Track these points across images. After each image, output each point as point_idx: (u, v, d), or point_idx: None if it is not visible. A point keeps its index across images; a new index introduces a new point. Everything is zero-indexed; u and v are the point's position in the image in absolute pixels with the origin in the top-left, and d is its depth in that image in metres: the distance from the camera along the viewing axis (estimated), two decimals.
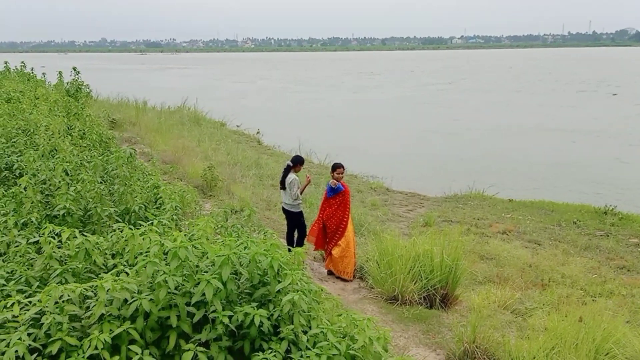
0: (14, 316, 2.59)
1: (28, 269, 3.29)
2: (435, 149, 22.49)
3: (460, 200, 14.60)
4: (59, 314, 2.54)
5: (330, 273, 7.80)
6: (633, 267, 9.78)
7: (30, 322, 2.59)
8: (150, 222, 3.74)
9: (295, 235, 8.22)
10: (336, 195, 7.70)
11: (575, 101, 38.70)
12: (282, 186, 8.00)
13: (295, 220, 8.09)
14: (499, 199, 14.66)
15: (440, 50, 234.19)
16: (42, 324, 2.51)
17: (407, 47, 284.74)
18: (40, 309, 2.58)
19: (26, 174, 5.00)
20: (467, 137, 24.96)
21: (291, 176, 7.90)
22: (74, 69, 16.58)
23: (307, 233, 8.06)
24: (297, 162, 8.04)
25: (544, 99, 40.03)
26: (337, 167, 7.87)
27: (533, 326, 5.95)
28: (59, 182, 4.86)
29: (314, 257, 8.45)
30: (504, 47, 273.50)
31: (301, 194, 7.99)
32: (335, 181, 7.68)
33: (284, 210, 8.18)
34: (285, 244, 7.98)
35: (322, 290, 3.48)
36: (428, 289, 6.65)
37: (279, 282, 3.02)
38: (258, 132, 22.05)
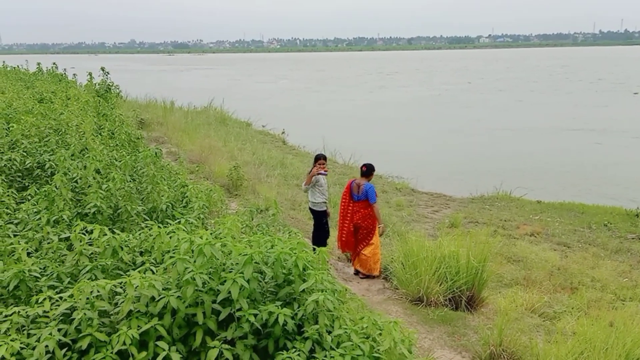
0: (45, 312, 2.66)
1: (59, 265, 3.37)
2: (460, 149, 22.24)
3: (486, 202, 14.41)
4: (89, 310, 2.60)
5: (356, 272, 7.72)
6: None
7: (61, 318, 2.65)
8: (178, 220, 3.80)
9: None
10: (365, 199, 7.47)
11: (597, 100, 37.96)
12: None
13: (318, 219, 8.06)
14: (526, 200, 14.42)
15: (467, 50, 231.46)
16: (73, 319, 2.57)
17: (433, 47, 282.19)
18: (72, 305, 2.64)
19: (57, 172, 5.12)
20: (490, 138, 24.64)
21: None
22: (102, 69, 16.91)
23: (345, 247, 7.91)
24: (317, 159, 7.97)
25: (566, 98, 39.31)
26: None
27: (561, 330, 5.83)
28: (91, 180, 4.97)
29: (339, 257, 8.45)
30: (533, 45, 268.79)
31: (307, 184, 7.82)
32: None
33: (309, 209, 8.21)
34: (311, 244, 7.99)
35: (346, 290, 3.48)
36: (454, 291, 6.58)
37: (304, 281, 3.02)
38: (283, 132, 22.16)
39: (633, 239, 11.24)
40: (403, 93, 46.00)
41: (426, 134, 26.01)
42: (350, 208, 7.54)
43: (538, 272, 8.90)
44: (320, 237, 8.07)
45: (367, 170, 7.47)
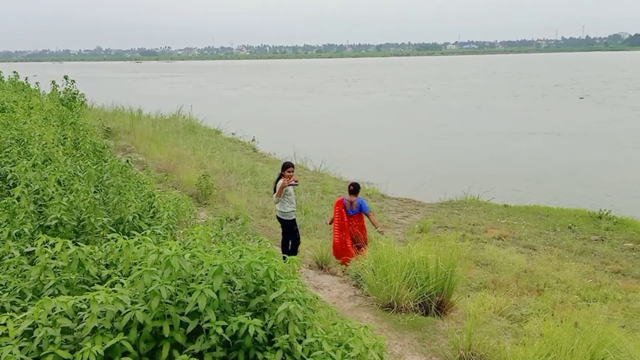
0: (6, 330, 2.57)
1: (22, 280, 3.27)
2: (428, 155, 22.59)
3: (455, 206, 14.63)
4: (51, 327, 2.53)
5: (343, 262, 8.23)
6: (628, 271, 9.82)
7: (22, 336, 2.57)
8: (144, 231, 3.74)
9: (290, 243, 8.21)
10: (359, 212, 8.42)
11: (548, 104, 39.42)
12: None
13: (287, 228, 8.09)
14: (494, 204, 14.71)
15: (435, 56, 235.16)
16: (34, 337, 2.49)
17: (402, 53, 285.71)
18: (33, 322, 2.56)
19: (19, 184, 4.98)
20: (457, 142, 25.12)
21: (280, 182, 7.93)
22: (66, 77, 16.57)
23: (339, 255, 8.47)
24: (284, 167, 7.99)
25: (520, 103, 40.67)
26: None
27: (528, 332, 5.95)
28: (52, 192, 4.84)
29: (309, 265, 8.44)
30: (498, 52, 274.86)
31: (278, 196, 7.84)
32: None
33: (278, 218, 8.19)
34: (281, 252, 7.97)
35: (317, 298, 3.47)
36: (424, 296, 6.63)
37: (274, 290, 3.01)
38: (253, 140, 22.09)
39: (596, 240, 11.56)
40: (369, 99, 46.51)
41: (393, 139, 26.32)
42: (346, 222, 8.39)
43: (505, 275, 9.06)
44: (292, 244, 8.07)
45: (355, 189, 8.45)
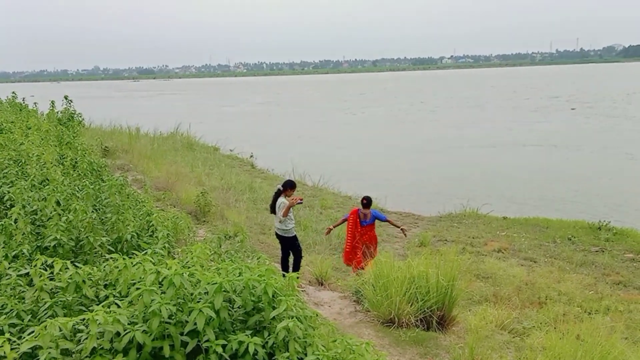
0: (4, 353, 2.55)
1: (19, 302, 3.25)
2: (426, 168, 22.62)
3: (454, 219, 14.62)
4: (53, 349, 2.51)
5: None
6: (629, 282, 9.79)
7: (23, 358, 2.55)
8: (144, 251, 3.72)
9: (291, 260, 8.17)
10: (372, 223, 8.93)
11: (541, 117, 39.82)
12: (273, 210, 8.00)
13: (289, 244, 8.04)
14: (493, 216, 14.69)
15: (431, 71, 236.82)
16: (37, 359, 2.47)
17: (398, 68, 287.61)
18: (34, 345, 2.54)
19: (17, 204, 4.97)
20: (454, 155, 25.22)
21: (280, 200, 7.86)
22: (66, 97, 16.62)
23: (350, 261, 8.92)
24: (288, 186, 7.97)
25: (515, 115, 41.01)
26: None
27: (531, 346, 5.91)
28: (51, 212, 4.83)
29: (309, 282, 8.40)
30: (493, 65, 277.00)
31: (284, 216, 7.79)
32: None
33: (277, 235, 8.13)
34: (280, 269, 7.94)
35: (317, 315, 3.45)
36: (424, 311, 6.59)
37: (274, 308, 2.99)
38: (251, 156, 22.12)
39: (596, 251, 11.54)
40: (365, 114, 46.74)
41: (390, 153, 26.41)
42: (358, 231, 8.85)
43: (506, 288, 9.03)
44: (295, 260, 8.06)
45: (368, 202, 8.90)
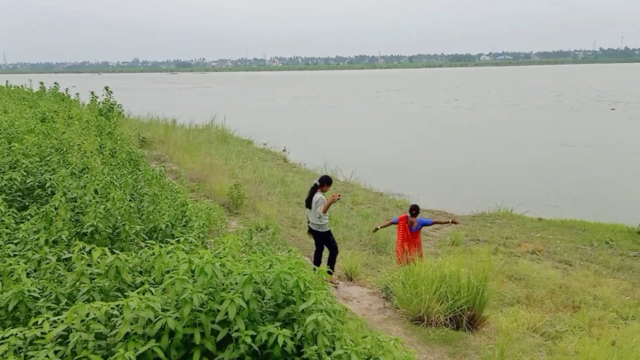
0: (42, 333, 2.65)
1: (58, 285, 3.36)
2: (460, 166, 22.29)
3: (488, 219, 14.40)
4: (85, 332, 2.59)
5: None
6: None
7: (58, 340, 2.64)
8: (177, 239, 3.81)
9: (326, 255, 8.14)
10: (418, 230, 9.15)
11: (580, 116, 38.80)
12: (308, 205, 7.96)
13: (324, 239, 8.00)
14: (527, 217, 14.41)
15: (468, 67, 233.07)
16: (69, 341, 2.56)
17: (434, 65, 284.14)
18: (68, 327, 2.63)
19: (58, 192, 5.13)
20: (489, 154, 24.79)
21: (317, 195, 7.84)
22: (106, 88, 17.03)
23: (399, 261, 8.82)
24: (324, 182, 7.98)
25: (555, 115, 39.92)
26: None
27: (563, 350, 5.79)
28: (89, 200, 4.98)
29: (339, 277, 8.41)
30: (533, 63, 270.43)
31: (324, 212, 7.81)
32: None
33: (311, 230, 8.09)
34: (312, 264, 7.96)
35: (346, 310, 3.46)
36: (454, 310, 6.53)
37: (304, 301, 3.01)
38: (284, 150, 22.23)
39: (635, 256, 11.19)
40: (399, 110, 46.36)
41: (424, 150, 26.13)
42: (409, 235, 9.04)
43: (539, 290, 8.85)
44: (331, 255, 8.03)
45: (416, 212, 9.07)
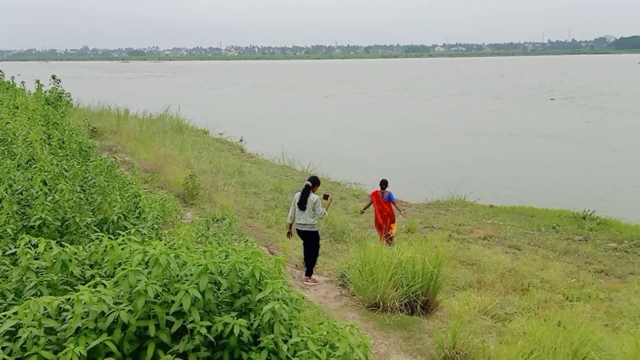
0: None
1: (3, 281, 3.24)
2: (414, 155, 22.71)
3: (442, 207, 14.73)
4: (35, 328, 2.52)
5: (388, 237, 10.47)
6: (611, 271, 9.96)
7: (5, 336, 2.55)
8: (129, 231, 3.73)
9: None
10: (390, 200, 10.99)
11: (526, 106, 40.28)
12: (302, 206, 7.76)
13: (315, 239, 7.90)
14: (480, 204, 14.82)
15: (423, 58, 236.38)
16: (18, 337, 2.48)
17: (390, 55, 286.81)
18: (17, 322, 2.55)
19: (2, 184, 4.93)
20: (441, 143, 25.40)
21: (314, 196, 7.75)
22: (53, 77, 16.40)
23: (380, 229, 10.89)
24: (316, 183, 7.93)
25: (494, 105, 41.36)
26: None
27: (512, 331, 6.01)
28: (37, 192, 4.80)
29: (296, 265, 8.45)
30: (485, 54, 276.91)
31: (326, 211, 7.93)
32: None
33: (302, 232, 7.89)
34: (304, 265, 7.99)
35: (303, 298, 3.48)
36: (409, 296, 6.68)
37: (260, 291, 3.01)
38: (241, 140, 22.02)
39: (580, 240, 11.70)
40: (354, 100, 46.75)
41: (379, 140, 26.45)
42: (382, 204, 10.90)
43: (490, 274, 9.15)
44: (314, 255, 7.93)
45: (385, 184, 10.92)
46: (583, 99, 44.38)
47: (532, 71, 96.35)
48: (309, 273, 7.84)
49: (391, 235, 10.82)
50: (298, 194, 7.86)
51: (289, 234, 8.15)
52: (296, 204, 7.79)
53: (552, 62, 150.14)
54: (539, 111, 37.26)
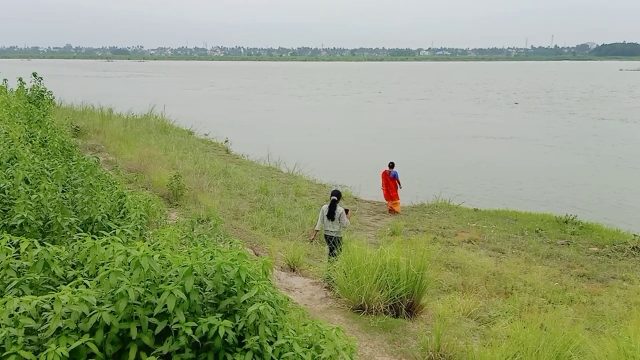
0: None
1: None
2: (399, 158, 22.74)
3: (427, 210, 14.80)
4: (13, 327, 2.46)
5: (391, 211, 14.51)
6: (593, 274, 10.07)
7: None
8: (113, 231, 3.67)
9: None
10: (395, 177, 14.57)
11: (486, 110, 41.37)
12: (332, 217, 8.90)
13: (337, 242, 8.80)
14: (464, 208, 14.92)
15: (408, 62, 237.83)
16: None
17: (375, 58, 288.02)
18: None
19: None
20: (427, 146, 25.58)
21: (340, 209, 8.97)
22: (34, 74, 16.14)
23: (390, 198, 14.55)
24: (340, 197, 9.27)
25: (478, 109, 42.09)
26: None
27: (496, 334, 6.05)
28: (19, 191, 4.71)
29: (281, 267, 8.42)
30: (469, 59, 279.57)
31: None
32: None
33: (330, 237, 8.95)
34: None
35: (288, 300, 3.46)
36: (394, 298, 6.69)
37: (246, 292, 2.99)
38: (226, 141, 21.91)
39: (562, 244, 11.83)
40: (340, 102, 46.98)
41: (363, 142, 26.55)
42: (389, 180, 14.53)
43: (474, 277, 9.21)
44: (334, 256, 8.45)
45: (392, 165, 14.73)
46: (544, 104, 45.46)
47: (532, 77, 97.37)
48: None
49: (395, 210, 14.37)
50: (326, 207, 9.07)
51: (312, 239, 9.75)
52: (325, 215, 9.02)
53: (532, 67, 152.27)
54: (535, 117, 37.85)
